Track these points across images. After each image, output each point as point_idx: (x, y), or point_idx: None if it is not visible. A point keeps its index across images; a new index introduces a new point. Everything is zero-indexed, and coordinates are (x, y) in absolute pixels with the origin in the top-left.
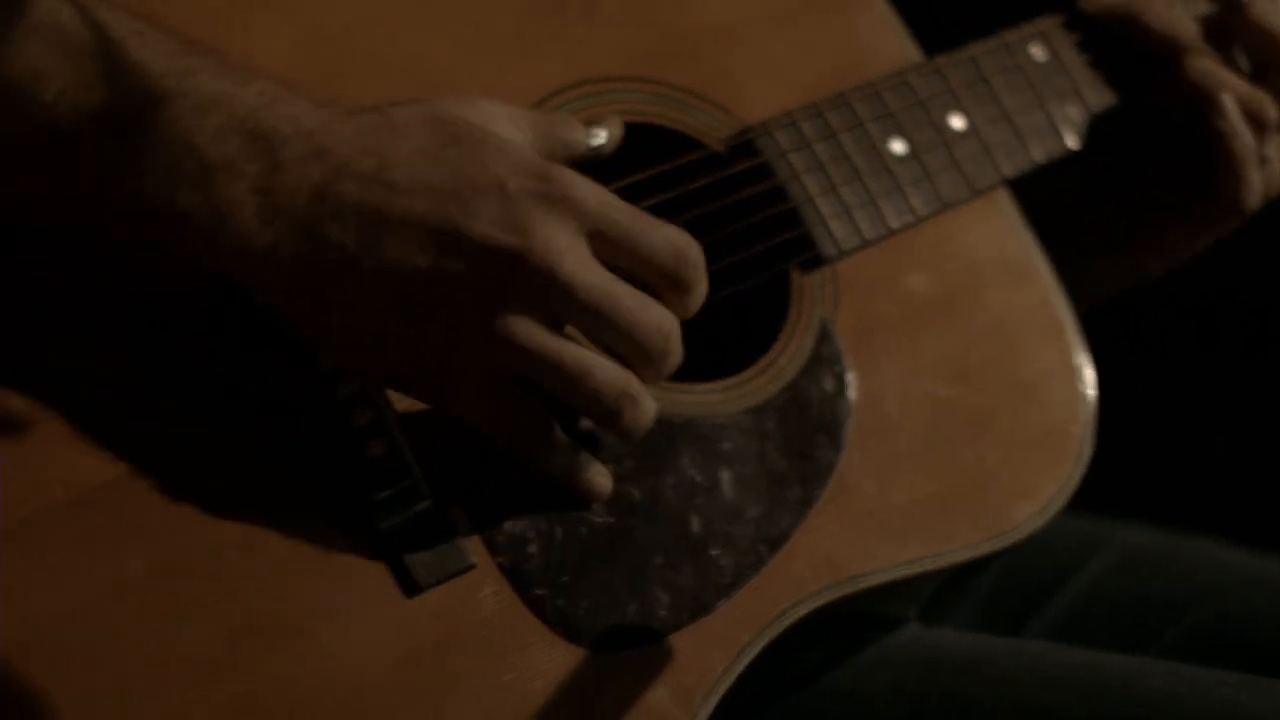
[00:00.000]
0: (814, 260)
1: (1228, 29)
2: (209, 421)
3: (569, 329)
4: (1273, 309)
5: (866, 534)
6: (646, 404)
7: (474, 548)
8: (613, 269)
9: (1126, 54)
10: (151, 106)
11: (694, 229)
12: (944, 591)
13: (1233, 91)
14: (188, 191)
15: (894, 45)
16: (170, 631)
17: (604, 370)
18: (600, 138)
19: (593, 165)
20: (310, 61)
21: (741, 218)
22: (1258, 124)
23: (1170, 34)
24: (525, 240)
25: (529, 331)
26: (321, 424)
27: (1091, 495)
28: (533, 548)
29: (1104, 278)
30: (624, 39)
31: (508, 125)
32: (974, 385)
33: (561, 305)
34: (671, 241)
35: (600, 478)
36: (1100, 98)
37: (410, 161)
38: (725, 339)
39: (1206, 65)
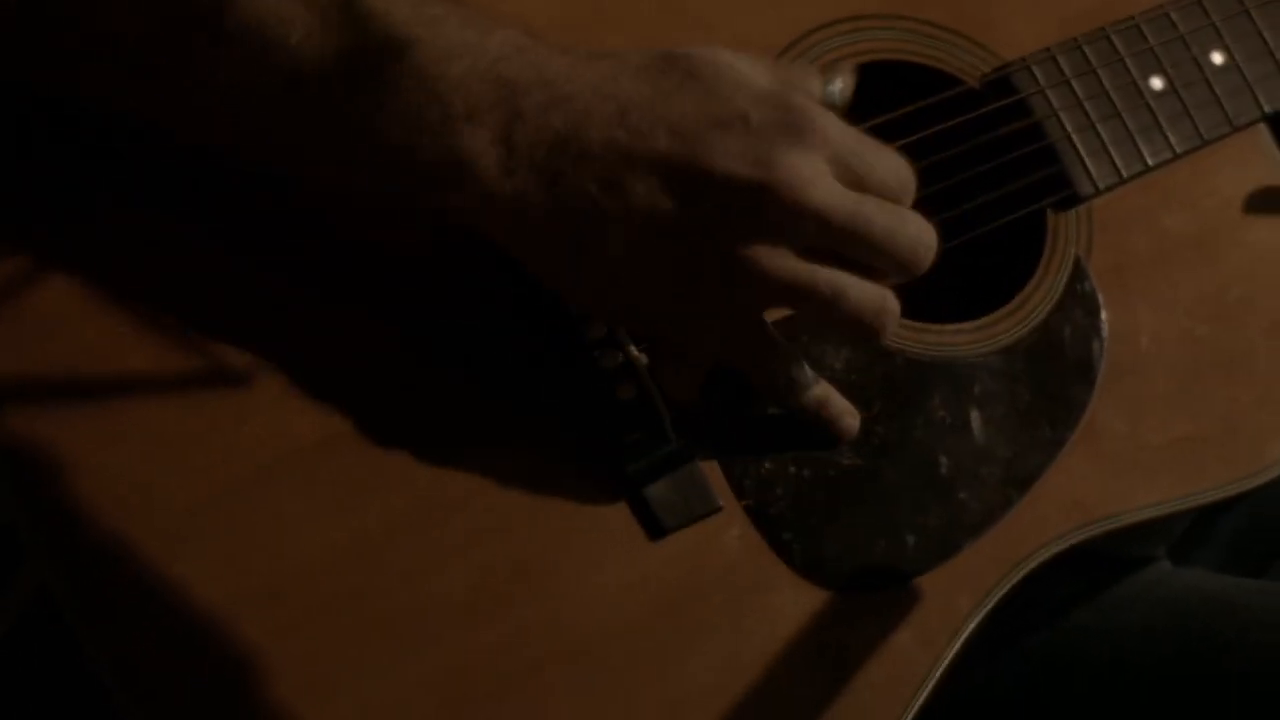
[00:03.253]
0: (1070, 199)
1: None
2: (450, 367)
3: None
4: None
5: (1117, 474)
6: (897, 309)
7: (720, 490)
8: None
9: None
10: (395, 53)
11: (950, 167)
12: (1194, 529)
13: None
14: (430, 140)
15: None
16: (419, 580)
17: (859, 289)
18: (835, 86)
19: (855, 106)
20: (568, 7)
21: (997, 155)
22: None
23: None
24: (770, 172)
25: (780, 262)
26: (569, 367)
27: None
28: (779, 490)
29: None
30: None
31: (746, 64)
32: (1230, 324)
33: (814, 231)
34: (898, 169)
35: (850, 417)
36: None
37: (650, 103)
38: (977, 278)
39: None
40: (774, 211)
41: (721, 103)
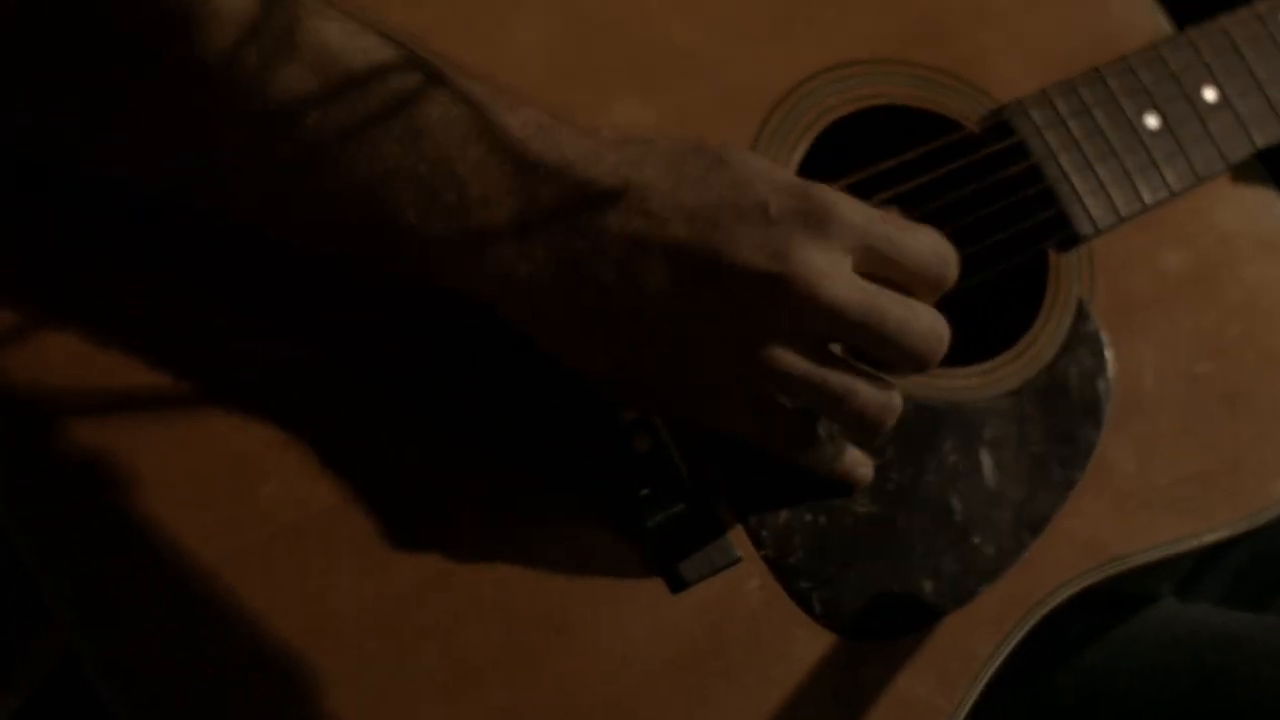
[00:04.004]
0: (1070, 239)
1: None
2: (469, 427)
3: None
4: None
5: (1128, 514)
6: (899, 407)
7: (739, 541)
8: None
9: None
10: (414, 133)
11: (951, 212)
12: (1197, 566)
13: None
14: (446, 221)
15: (1145, 18)
16: (447, 637)
17: (867, 391)
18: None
19: (853, 152)
20: (570, 51)
21: (998, 199)
22: None
23: None
24: (785, 266)
25: (792, 359)
26: (587, 422)
27: None
28: (797, 539)
29: None
30: (877, 21)
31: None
32: (1229, 361)
33: (828, 326)
34: (935, 248)
35: (864, 467)
36: None
37: (671, 190)
38: (982, 322)
39: None
40: (788, 305)
41: (742, 191)
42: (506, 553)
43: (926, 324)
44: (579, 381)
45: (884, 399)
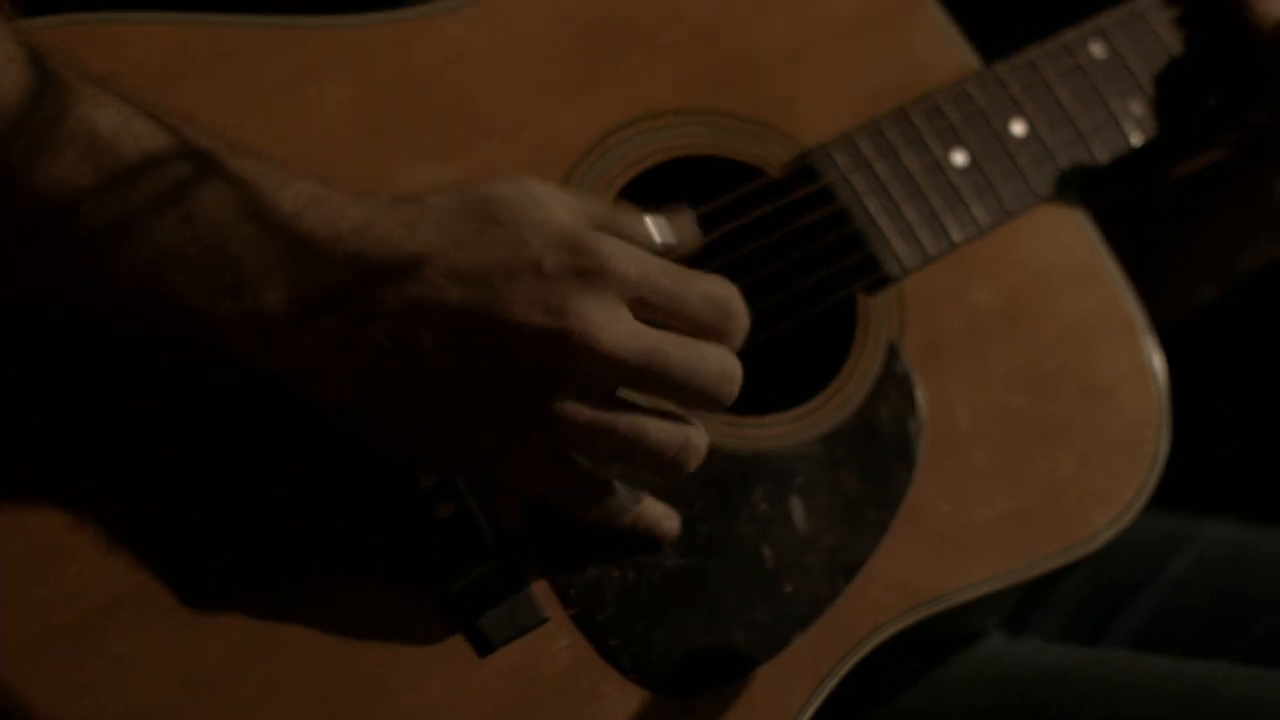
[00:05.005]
0: (879, 281)
1: None
2: (272, 501)
3: None
4: None
5: (943, 554)
6: (702, 443)
7: (547, 601)
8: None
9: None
10: (186, 216)
11: (757, 259)
12: (1027, 599)
13: None
14: (225, 301)
15: (953, 55)
16: (261, 708)
17: (659, 430)
18: (667, 239)
19: (661, 203)
20: (372, 119)
21: (805, 244)
22: None
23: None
24: (562, 320)
25: (577, 410)
26: (388, 490)
27: (1173, 491)
28: (605, 596)
29: (1194, 277)
30: (679, 70)
31: (553, 205)
32: (1046, 394)
33: (611, 376)
34: (711, 296)
35: (668, 521)
36: (1161, 85)
37: (444, 254)
38: (793, 367)
39: (1276, 9)
40: (568, 359)
41: (515, 249)
42: (319, 623)
43: (715, 365)
44: (378, 449)
45: (680, 436)
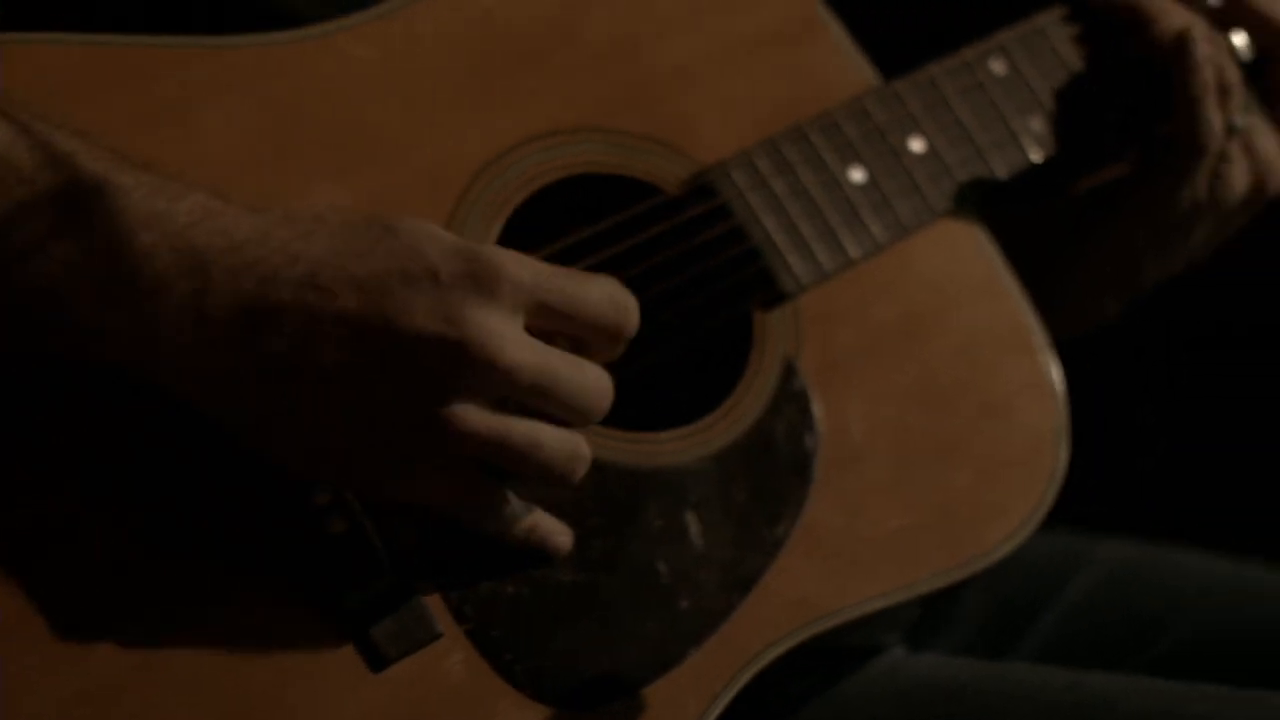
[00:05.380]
0: (775, 297)
1: (1224, 17)
2: (169, 510)
3: None
4: (1251, 317)
5: (837, 570)
6: (589, 454)
7: (441, 617)
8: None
9: (1091, 47)
10: (83, 227)
11: (653, 276)
12: (929, 615)
13: (1193, 31)
14: (120, 312)
15: (852, 73)
16: None
17: (553, 439)
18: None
19: (553, 221)
20: (267, 139)
21: (701, 261)
22: (1221, 82)
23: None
24: (459, 329)
25: (475, 418)
26: (282, 506)
27: (1073, 510)
28: (499, 612)
29: (1095, 292)
30: (576, 89)
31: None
32: (943, 409)
33: (504, 387)
34: (611, 296)
35: (561, 536)
36: (1061, 103)
37: (341, 263)
38: (691, 383)
39: (1170, 4)
40: (463, 368)
41: (412, 259)
42: (212, 639)
43: (593, 382)
44: (271, 464)
45: (571, 448)
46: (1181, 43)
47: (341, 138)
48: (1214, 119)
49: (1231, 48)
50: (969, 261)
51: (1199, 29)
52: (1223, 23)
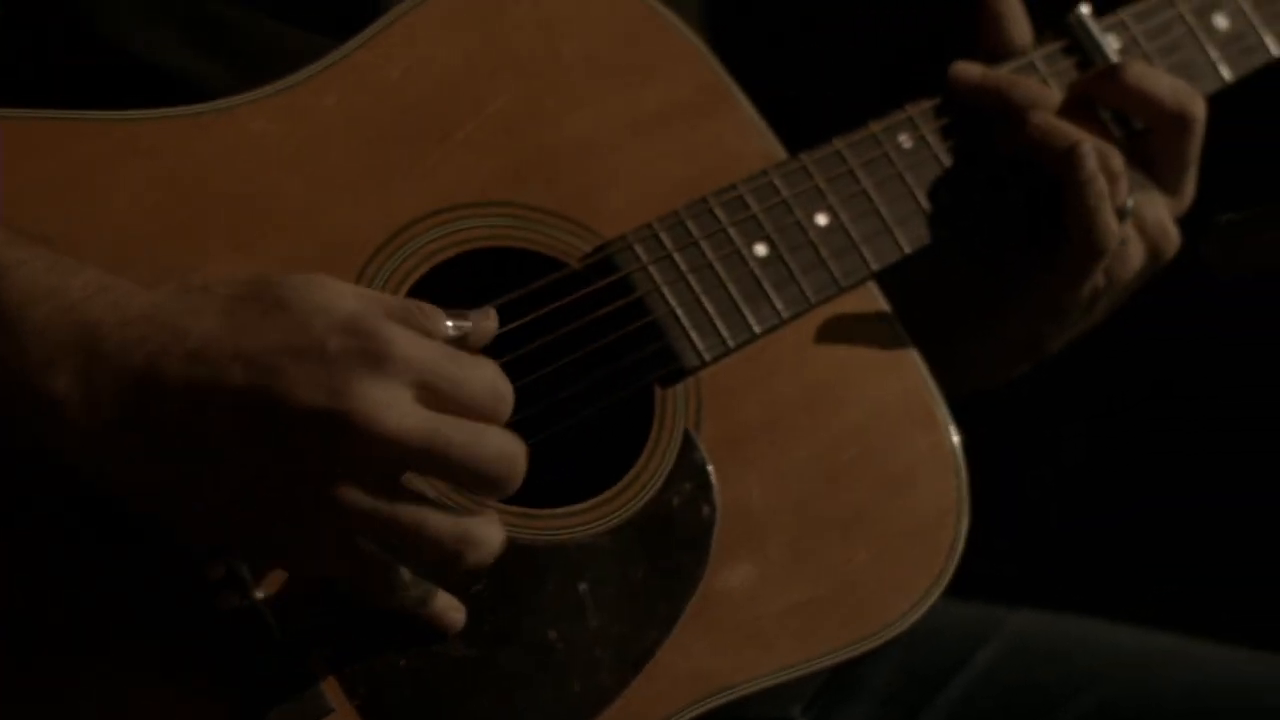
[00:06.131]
0: (676, 373)
1: (1100, 94)
2: (60, 582)
3: None
4: (1146, 384)
5: (735, 645)
6: (491, 538)
7: (332, 691)
8: None
9: (992, 128)
10: None
11: (553, 350)
12: (834, 685)
13: (1087, 141)
14: (12, 387)
15: (759, 146)
16: None
17: (438, 523)
18: (463, 329)
19: (455, 295)
20: (169, 212)
21: (603, 335)
22: (1107, 174)
23: (1036, 103)
24: (344, 402)
25: (357, 495)
26: (175, 580)
27: (978, 581)
28: (392, 687)
29: (1002, 362)
30: (480, 162)
31: (339, 294)
32: (844, 483)
33: (393, 459)
34: (490, 385)
35: (454, 612)
36: (967, 179)
37: (230, 336)
38: (592, 458)
39: (1056, 125)
40: (349, 441)
41: (300, 332)
42: (105, 711)
43: (495, 448)
44: (166, 538)
45: (460, 530)
46: (1071, 159)
47: (243, 211)
48: (1110, 224)
49: (1109, 125)
50: (872, 335)
51: (1086, 142)
52: (1085, 101)
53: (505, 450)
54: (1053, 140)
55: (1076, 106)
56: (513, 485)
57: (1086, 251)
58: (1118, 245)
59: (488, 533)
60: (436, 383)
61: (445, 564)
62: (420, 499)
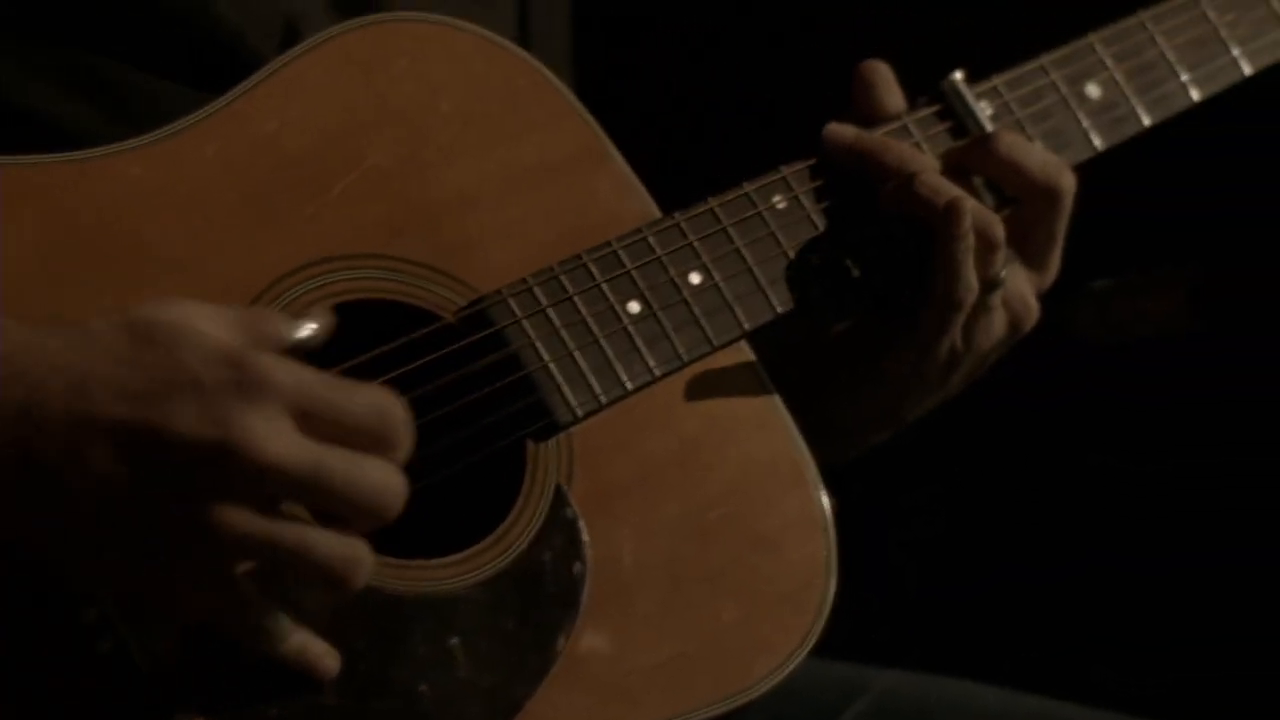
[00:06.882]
0: (549, 428)
1: (972, 162)
2: None
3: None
4: (1009, 448)
5: (603, 699)
6: (370, 560)
7: None
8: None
9: (863, 190)
10: None
11: (426, 404)
12: None
13: (969, 200)
14: None
15: (634, 205)
16: None
17: (327, 544)
18: (307, 330)
19: (329, 348)
20: (47, 257)
21: (476, 389)
22: (986, 241)
23: (908, 166)
24: (224, 431)
25: (240, 521)
26: (49, 622)
27: (846, 641)
28: None
29: (865, 426)
30: (357, 215)
31: (208, 322)
32: (713, 542)
33: (274, 487)
34: (373, 403)
35: (328, 659)
36: (838, 240)
37: (109, 371)
38: (463, 511)
39: (937, 181)
40: (231, 471)
41: (176, 366)
42: None
43: (377, 478)
44: (43, 579)
45: (347, 550)
46: (950, 214)
47: (120, 259)
48: (970, 280)
49: (982, 193)
50: (744, 394)
51: (968, 200)
52: (960, 168)
53: (388, 481)
54: (937, 197)
55: (951, 173)
56: (390, 516)
57: (946, 304)
58: (983, 313)
59: (370, 556)
60: (315, 409)
61: (334, 586)
62: (304, 521)
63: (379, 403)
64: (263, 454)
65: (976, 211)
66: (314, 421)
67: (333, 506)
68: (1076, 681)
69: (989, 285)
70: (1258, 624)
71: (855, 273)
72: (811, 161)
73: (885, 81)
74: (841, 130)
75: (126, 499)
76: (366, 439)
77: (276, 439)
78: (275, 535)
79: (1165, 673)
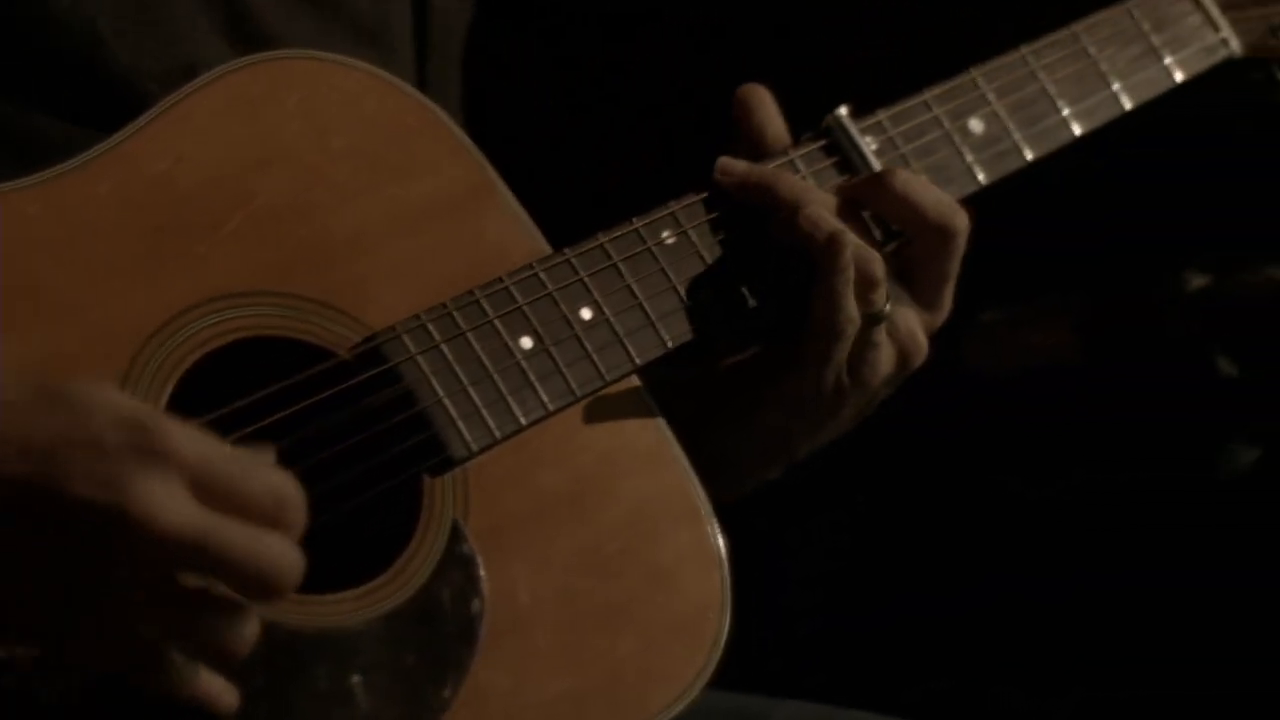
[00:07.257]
0: (444, 463)
1: (865, 197)
2: None
3: None
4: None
5: None
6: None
7: None
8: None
9: (752, 223)
10: None
11: (319, 441)
12: None
13: (849, 234)
14: None
15: (524, 239)
16: None
17: (216, 608)
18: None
19: (224, 385)
20: None
21: (371, 425)
22: (865, 277)
23: (797, 198)
24: (118, 495)
25: (130, 586)
26: None
27: (745, 674)
28: None
29: (755, 462)
30: (249, 253)
31: (120, 392)
32: (609, 576)
33: (166, 554)
34: (270, 486)
35: (227, 695)
36: (727, 274)
37: (9, 427)
38: (360, 545)
39: (819, 215)
40: (122, 533)
41: (79, 426)
42: None
43: (275, 552)
44: None
45: (241, 614)
46: (831, 247)
47: (10, 297)
48: (851, 310)
49: (871, 227)
50: (638, 430)
51: (849, 234)
52: (851, 204)
53: (285, 556)
54: (819, 230)
55: (844, 206)
56: (286, 590)
57: (827, 332)
58: (857, 335)
59: (254, 625)
60: (213, 481)
61: (222, 656)
62: (195, 592)
63: (276, 486)
64: (154, 520)
65: (856, 248)
66: (210, 494)
67: (227, 578)
68: (980, 707)
69: (871, 319)
70: (1157, 641)
71: (752, 302)
72: (703, 195)
73: (765, 105)
74: (733, 164)
75: (20, 555)
76: (261, 521)
77: (170, 508)
78: (164, 602)
79: (1068, 693)
